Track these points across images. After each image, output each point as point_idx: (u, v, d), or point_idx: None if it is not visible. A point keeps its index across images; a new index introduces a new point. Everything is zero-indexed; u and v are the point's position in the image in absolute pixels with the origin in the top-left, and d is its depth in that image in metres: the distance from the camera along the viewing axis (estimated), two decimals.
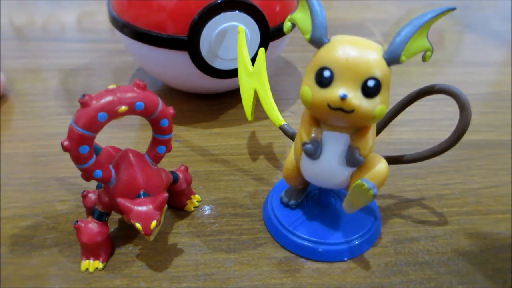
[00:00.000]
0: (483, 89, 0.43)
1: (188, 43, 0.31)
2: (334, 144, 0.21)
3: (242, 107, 0.29)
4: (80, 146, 0.20)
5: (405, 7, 0.64)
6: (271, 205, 0.26)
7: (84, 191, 0.25)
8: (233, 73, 0.33)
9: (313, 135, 0.21)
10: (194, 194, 0.28)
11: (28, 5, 0.58)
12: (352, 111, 0.19)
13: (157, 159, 0.24)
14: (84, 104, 0.20)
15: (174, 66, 0.33)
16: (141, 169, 0.22)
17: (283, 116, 0.28)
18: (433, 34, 0.21)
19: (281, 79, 0.43)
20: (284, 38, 0.36)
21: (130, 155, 0.22)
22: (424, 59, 0.20)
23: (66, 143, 0.20)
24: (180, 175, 0.26)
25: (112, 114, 0.20)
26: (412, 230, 0.26)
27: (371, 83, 0.18)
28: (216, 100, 0.38)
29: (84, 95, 0.20)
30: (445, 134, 0.24)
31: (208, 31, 0.31)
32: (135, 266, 0.24)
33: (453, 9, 0.19)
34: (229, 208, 0.28)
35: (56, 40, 0.50)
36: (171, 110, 0.23)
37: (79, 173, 0.22)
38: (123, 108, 0.20)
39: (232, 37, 0.31)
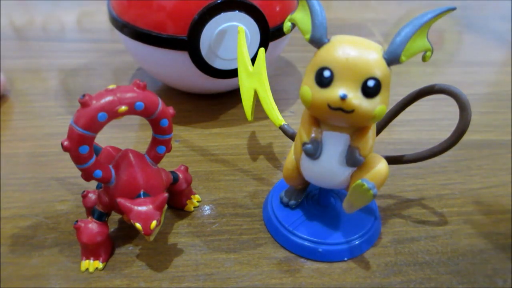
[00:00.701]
0: (483, 89, 0.43)
1: (188, 43, 0.31)
2: (334, 144, 0.21)
3: (242, 107, 0.29)
4: (80, 146, 0.20)
5: (405, 7, 0.64)
6: (271, 205, 0.26)
7: (84, 191, 0.25)
8: (233, 73, 0.33)
9: (313, 135, 0.21)
10: (194, 194, 0.28)
11: (28, 5, 0.58)
12: (352, 111, 0.19)
13: (157, 159, 0.24)
14: (84, 104, 0.20)
15: (174, 66, 0.33)
16: (141, 169, 0.22)
17: (283, 116, 0.28)
18: (433, 34, 0.21)
19: (281, 79, 0.43)
20: (284, 38, 0.36)
21: (130, 155, 0.22)
22: (424, 59, 0.20)
23: (66, 143, 0.20)
24: (180, 175, 0.26)
25: (112, 114, 0.20)
26: (412, 230, 0.26)
27: (371, 83, 0.18)
28: (216, 100, 0.38)
29: (84, 95, 0.20)
30: (445, 134, 0.24)
31: (208, 31, 0.31)
32: (135, 266, 0.24)
33: (453, 9, 0.19)
34: (229, 208, 0.28)
35: (56, 40, 0.50)
36: (171, 110, 0.23)
37: (79, 173, 0.22)
38: (123, 108, 0.20)
39: (232, 37, 0.31)
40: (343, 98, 0.18)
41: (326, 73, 0.19)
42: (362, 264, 0.24)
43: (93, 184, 0.26)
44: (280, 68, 0.45)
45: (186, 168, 0.27)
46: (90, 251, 0.23)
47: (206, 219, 0.27)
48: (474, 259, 0.25)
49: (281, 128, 0.28)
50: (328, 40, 0.19)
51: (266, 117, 0.29)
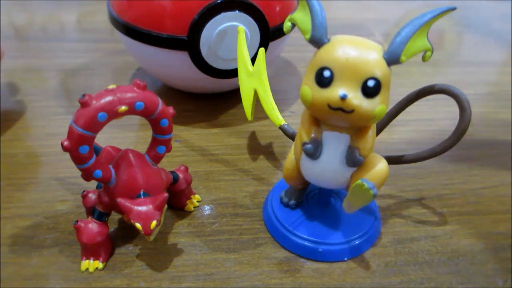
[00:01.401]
0: (483, 89, 0.43)
1: (188, 43, 0.31)
2: (334, 144, 0.21)
3: (242, 107, 0.29)
4: (80, 146, 0.20)
5: (405, 7, 0.64)
6: (271, 205, 0.26)
7: (84, 191, 0.25)
8: (233, 73, 0.33)
9: (313, 135, 0.21)
10: (194, 194, 0.28)
11: (28, 5, 0.58)
12: (352, 111, 0.19)
13: (157, 159, 0.24)
14: (84, 104, 0.20)
15: (174, 66, 0.33)
16: (141, 169, 0.22)
17: (283, 116, 0.28)
18: (433, 34, 0.21)
19: (281, 79, 0.43)
20: (284, 38, 0.36)
21: (130, 155, 0.22)
22: (424, 59, 0.20)
23: (66, 143, 0.20)
24: (180, 175, 0.26)
25: (112, 114, 0.20)
26: (412, 230, 0.26)
27: (371, 83, 0.18)
28: (216, 100, 0.38)
29: (84, 95, 0.20)
30: (445, 134, 0.24)
31: (208, 31, 0.31)
32: (135, 266, 0.24)
33: (453, 9, 0.19)
34: (229, 208, 0.28)
35: (56, 40, 0.50)
36: (171, 110, 0.23)
37: (79, 173, 0.22)
38: (123, 108, 0.20)
39: (232, 37, 0.31)
40: (343, 98, 0.18)
41: (326, 73, 0.19)
42: (362, 264, 0.24)
43: (93, 184, 0.26)
44: (280, 68, 0.45)
45: (186, 168, 0.27)
46: (90, 251, 0.23)
47: (206, 219, 0.27)
48: (474, 259, 0.25)
49: (281, 128, 0.28)
50: (328, 40, 0.19)
51: (266, 117, 0.29)
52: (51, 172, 0.30)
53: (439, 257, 0.25)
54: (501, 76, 0.46)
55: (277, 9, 0.33)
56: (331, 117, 0.20)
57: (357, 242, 0.24)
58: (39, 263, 0.24)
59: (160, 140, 0.24)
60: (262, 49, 0.27)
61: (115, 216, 0.26)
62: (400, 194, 0.29)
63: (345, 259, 0.24)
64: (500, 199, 0.29)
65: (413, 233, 0.26)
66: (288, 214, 0.26)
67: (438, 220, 0.27)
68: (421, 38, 0.19)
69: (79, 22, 0.54)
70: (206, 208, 0.28)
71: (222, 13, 0.30)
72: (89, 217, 0.23)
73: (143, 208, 0.21)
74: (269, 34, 0.33)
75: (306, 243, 0.24)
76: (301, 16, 0.20)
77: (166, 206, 0.22)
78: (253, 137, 0.35)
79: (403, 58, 0.19)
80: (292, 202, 0.26)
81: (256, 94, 0.28)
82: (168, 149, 0.24)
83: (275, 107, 0.28)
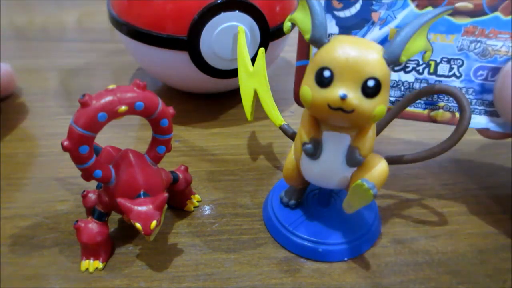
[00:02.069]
0: None
1: (188, 43, 0.31)
2: (334, 144, 0.21)
3: (242, 107, 0.29)
4: (80, 146, 0.20)
5: None
6: (271, 205, 0.26)
7: (84, 191, 0.25)
8: (233, 73, 0.33)
9: (313, 135, 0.21)
10: (194, 194, 0.28)
11: (28, 5, 0.58)
12: (352, 111, 0.19)
13: (157, 159, 0.24)
14: (84, 104, 0.20)
15: (174, 66, 0.33)
16: (141, 169, 0.22)
17: (283, 116, 0.28)
18: None
19: (281, 79, 0.43)
20: (284, 38, 0.36)
21: (130, 155, 0.22)
22: (424, 58, 0.20)
23: (66, 143, 0.20)
24: (180, 175, 0.26)
25: (112, 114, 0.20)
26: (412, 230, 0.26)
27: (371, 83, 0.18)
28: (216, 100, 0.38)
29: (84, 95, 0.20)
30: (445, 134, 0.24)
31: (208, 31, 0.31)
32: (135, 266, 0.24)
33: (451, 9, 0.20)
34: (229, 208, 0.28)
35: (56, 40, 0.50)
36: (171, 110, 0.23)
37: (79, 173, 0.22)
38: (123, 108, 0.20)
39: (232, 37, 0.31)
40: (343, 98, 0.18)
41: (326, 73, 0.19)
42: (362, 264, 0.24)
43: (93, 184, 0.26)
44: (280, 68, 0.45)
45: (186, 168, 0.27)
46: (90, 251, 0.23)
47: (206, 219, 0.27)
48: (474, 259, 0.25)
49: (281, 128, 0.28)
50: (328, 40, 0.19)
51: (266, 117, 0.29)
52: (51, 172, 0.30)
53: (439, 257, 0.25)
54: None
55: (277, 9, 0.33)
56: (331, 117, 0.20)
57: (357, 242, 0.24)
58: (39, 263, 0.24)
59: (160, 140, 0.24)
60: (262, 49, 0.27)
61: (115, 216, 0.26)
62: (400, 194, 0.29)
63: (345, 259, 0.24)
64: (500, 199, 0.29)
65: (413, 233, 0.26)
66: (288, 214, 0.26)
67: (438, 220, 0.27)
68: (421, 38, 0.19)
69: (79, 22, 0.54)
70: (206, 208, 0.28)
71: (222, 13, 0.30)
72: (89, 217, 0.23)
73: (143, 208, 0.21)
74: (269, 34, 0.33)
75: (306, 243, 0.24)
76: (301, 16, 0.20)
77: (166, 206, 0.22)
78: (253, 137, 0.35)
79: (403, 58, 0.19)
80: (292, 202, 0.26)
81: (256, 94, 0.28)
82: (168, 149, 0.24)
83: (275, 107, 0.28)
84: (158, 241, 0.25)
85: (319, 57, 0.19)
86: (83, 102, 0.20)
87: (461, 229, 0.27)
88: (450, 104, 0.25)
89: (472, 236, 0.26)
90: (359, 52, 0.18)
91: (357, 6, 0.25)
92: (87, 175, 0.22)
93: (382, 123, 0.26)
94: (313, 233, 0.25)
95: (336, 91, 0.18)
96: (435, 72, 0.25)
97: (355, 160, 0.21)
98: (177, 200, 0.27)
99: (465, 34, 0.24)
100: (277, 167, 0.31)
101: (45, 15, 0.55)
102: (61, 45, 0.49)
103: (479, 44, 0.24)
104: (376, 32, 0.24)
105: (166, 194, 0.22)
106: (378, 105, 0.19)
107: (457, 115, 0.25)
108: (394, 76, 0.25)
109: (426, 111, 0.26)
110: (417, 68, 0.25)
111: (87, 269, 0.23)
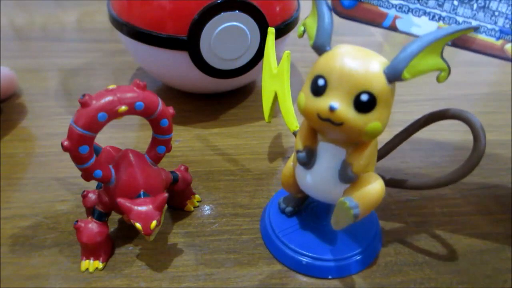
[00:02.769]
0: (483, 89, 0.43)
1: (188, 43, 0.31)
2: (329, 156, 0.20)
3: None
4: (80, 146, 0.20)
5: None
6: (269, 209, 0.26)
7: (84, 191, 0.25)
8: (233, 73, 0.33)
9: (307, 143, 0.20)
10: (194, 194, 0.28)
11: (28, 5, 0.58)
12: (341, 123, 0.18)
13: (157, 159, 0.24)
14: (84, 104, 0.20)
15: (174, 66, 0.33)
16: (141, 169, 0.22)
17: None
18: None
19: None
20: (284, 38, 0.36)
21: (130, 155, 0.22)
22: (438, 79, 0.19)
23: (66, 143, 0.20)
24: (180, 175, 0.26)
25: (112, 114, 0.20)
26: (412, 230, 0.26)
27: (364, 97, 0.17)
28: (216, 100, 0.38)
29: (84, 95, 0.20)
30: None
31: (208, 31, 0.31)
32: (135, 266, 0.24)
33: (476, 28, 0.18)
34: (229, 208, 0.28)
35: (56, 40, 0.50)
36: (171, 110, 0.23)
37: (79, 173, 0.22)
38: (123, 108, 0.20)
39: (232, 37, 0.31)
40: (332, 109, 0.17)
41: (320, 82, 0.18)
42: None
43: (93, 184, 0.26)
44: None
45: (186, 168, 0.27)
46: (90, 251, 0.23)
47: (206, 219, 0.27)
48: (474, 259, 0.25)
49: (295, 134, 0.27)
50: (330, 48, 0.19)
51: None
52: (51, 172, 0.30)
53: (439, 257, 0.25)
54: (501, 76, 0.46)
55: (277, 9, 0.33)
56: (320, 127, 0.19)
57: (345, 262, 0.23)
58: (39, 263, 0.24)
59: (160, 140, 0.24)
60: (287, 52, 0.26)
61: (115, 216, 0.26)
62: (400, 194, 0.29)
63: (329, 277, 0.23)
64: (500, 199, 0.29)
65: (413, 233, 0.26)
66: (283, 220, 0.25)
67: (438, 220, 0.27)
68: (433, 56, 0.18)
69: (79, 22, 0.54)
70: (206, 208, 0.28)
71: (222, 13, 0.30)
72: (89, 217, 0.23)
73: (143, 208, 0.21)
74: None
75: (289, 252, 0.23)
76: (310, 21, 0.20)
77: (166, 206, 0.22)
78: (253, 137, 0.35)
79: (406, 75, 0.17)
80: (289, 209, 0.25)
81: (276, 96, 0.27)
82: (168, 149, 0.24)
83: (293, 112, 0.26)
84: (158, 241, 0.25)
85: (317, 64, 0.19)
86: (83, 102, 0.20)
87: (461, 229, 0.27)
88: None
89: (472, 236, 0.26)
90: (356, 64, 0.17)
91: None
92: (87, 175, 0.22)
93: (388, 148, 0.25)
94: (301, 244, 0.24)
95: (326, 102, 0.18)
96: None
97: (346, 176, 0.20)
98: (177, 200, 0.27)
99: None
100: (277, 167, 0.31)
101: (45, 15, 0.55)
102: (61, 45, 0.49)
103: None
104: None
105: (166, 194, 0.22)
106: (372, 122, 0.18)
107: None
108: None
109: (499, 42, 0.20)
110: None
111: (87, 269, 0.23)
